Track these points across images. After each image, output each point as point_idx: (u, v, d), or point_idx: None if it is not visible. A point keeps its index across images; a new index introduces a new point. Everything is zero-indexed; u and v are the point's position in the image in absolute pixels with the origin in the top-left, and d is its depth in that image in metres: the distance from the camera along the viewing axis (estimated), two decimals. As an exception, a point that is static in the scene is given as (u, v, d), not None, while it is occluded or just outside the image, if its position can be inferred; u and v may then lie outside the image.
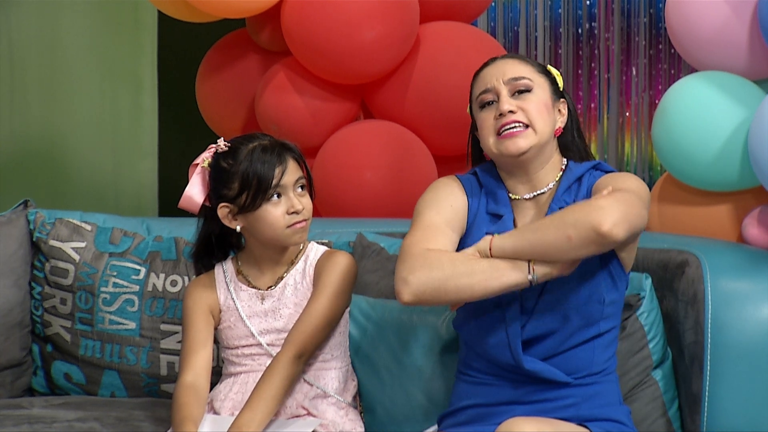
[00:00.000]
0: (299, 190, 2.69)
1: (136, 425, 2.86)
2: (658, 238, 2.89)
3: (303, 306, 2.71)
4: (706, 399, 2.70)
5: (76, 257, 3.12)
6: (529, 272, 2.41)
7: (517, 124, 2.53)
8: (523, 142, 2.53)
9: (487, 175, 2.63)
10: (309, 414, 2.69)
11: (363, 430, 2.76)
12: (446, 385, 2.75)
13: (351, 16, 3.50)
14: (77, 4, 4.81)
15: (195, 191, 2.73)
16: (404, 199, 3.54)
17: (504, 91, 2.55)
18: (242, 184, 2.65)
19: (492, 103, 2.57)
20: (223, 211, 2.70)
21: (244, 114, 3.83)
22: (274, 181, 2.65)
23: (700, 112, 3.01)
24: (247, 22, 3.83)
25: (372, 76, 3.62)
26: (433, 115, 3.61)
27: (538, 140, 2.54)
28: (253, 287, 2.76)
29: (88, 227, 3.16)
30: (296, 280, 2.75)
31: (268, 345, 2.72)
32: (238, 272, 2.78)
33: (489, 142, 2.56)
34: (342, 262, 2.72)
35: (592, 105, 4.80)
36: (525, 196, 2.59)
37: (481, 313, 2.54)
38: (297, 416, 2.69)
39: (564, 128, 2.63)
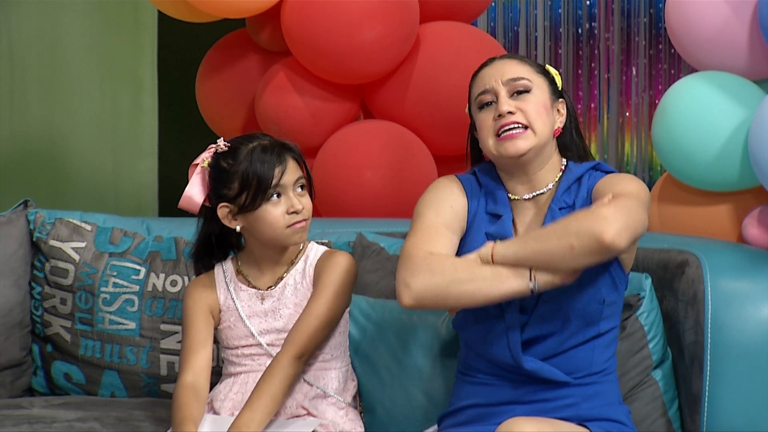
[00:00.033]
0: (299, 189, 2.69)
1: (136, 425, 2.86)
2: (658, 238, 2.89)
3: (303, 306, 2.71)
4: (706, 399, 2.70)
5: (76, 257, 3.12)
6: (530, 280, 2.41)
7: (516, 125, 2.53)
8: (522, 143, 2.53)
9: (486, 175, 2.63)
10: (309, 414, 2.69)
11: (363, 430, 2.76)
12: (446, 385, 2.75)
13: (351, 16, 3.50)
14: (77, 4, 4.81)
15: (195, 191, 2.73)
16: (404, 199, 3.54)
17: (503, 92, 2.55)
18: (242, 183, 2.65)
19: (491, 103, 2.57)
20: (222, 211, 2.70)
21: (244, 114, 3.83)
22: (274, 181, 2.65)
23: (700, 112, 3.01)
24: (247, 22, 3.83)
25: (372, 76, 3.62)
26: (433, 115, 3.61)
27: (538, 141, 2.54)
28: (253, 287, 2.76)
29: (88, 227, 3.16)
30: (296, 280, 2.75)
31: (267, 345, 2.72)
32: (238, 272, 2.78)
33: (488, 143, 2.56)
34: (342, 262, 2.72)
35: (592, 105, 4.80)
36: (524, 197, 2.59)
37: (481, 314, 2.53)
38: (297, 416, 2.69)
39: (563, 128, 2.63)
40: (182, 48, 4.64)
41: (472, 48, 3.62)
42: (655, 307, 2.75)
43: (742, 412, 2.69)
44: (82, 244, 3.13)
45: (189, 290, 2.79)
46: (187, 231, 3.08)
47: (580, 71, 4.80)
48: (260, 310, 2.74)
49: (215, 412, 2.71)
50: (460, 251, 2.56)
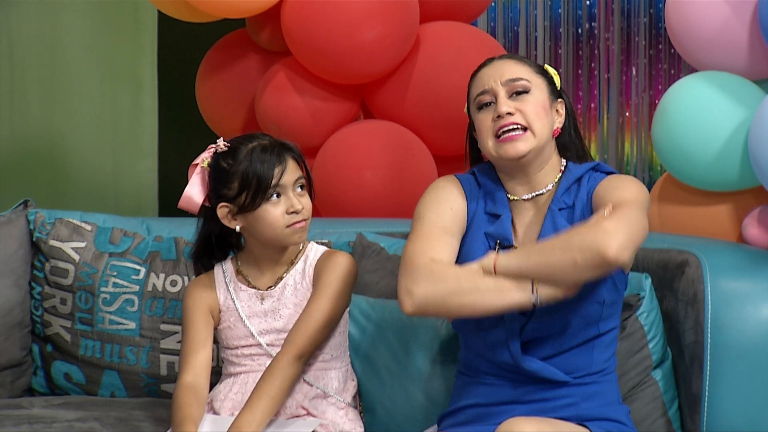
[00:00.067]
0: (299, 189, 2.69)
1: (136, 425, 2.86)
2: (658, 238, 2.89)
3: (303, 306, 2.71)
4: (706, 399, 2.70)
5: (76, 257, 3.12)
6: (532, 293, 2.41)
7: (515, 126, 2.53)
8: (522, 145, 2.53)
9: (485, 175, 2.63)
10: (309, 414, 2.69)
11: (363, 430, 2.76)
12: (446, 385, 2.75)
13: (351, 16, 3.50)
14: (77, 4, 4.81)
15: (194, 191, 2.73)
16: (404, 199, 3.54)
17: (502, 93, 2.55)
18: (242, 183, 2.65)
19: (490, 104, 2.57)
20: (222, 210, 2.70)
21: (244, 114, 3.83)
22: (274, 181, 2.65)
23: (700, 112, 3.01)
24: (247, 22, 3.83)
25: (372, 76, 3.62)
26: (433, 115, 3.61)
27: (537, 143, 2.54)
28: (253, 287, 2.76)
29: (88, 227, 3.16)
30: (296, 281, 2.74)
31: (267, 345, 2.72)
32: (238, 272, 2.78)
33: (488, 144, 2.56)
34: (342, 262, 2.72)
35: (592, 105, 4.80)
36: (524, 197, 2.59)
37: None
38: (297, 416, 2.69)
39: (561, 128, 2.63)
40: (182, 48, 4.64)
41: (472, 48, 3.62)
42: (655, 307, 2.75)
43: (742, 412, 2.69)
44: (82, 244, 3.13)
45: (189, 290, 2.79)
46: (187, 231, 3.08)
47: (580, 71, 4.80)
48: (260, 310, 2.74)
49: (215, 412, 2.71)
50: (460, 252, 2.57)
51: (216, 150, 2.72)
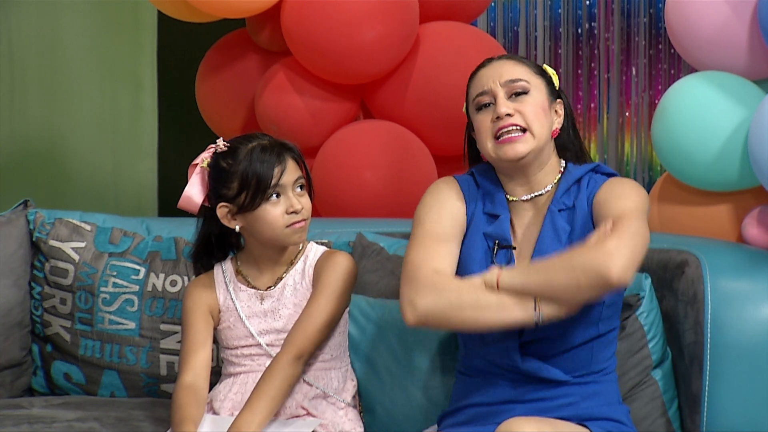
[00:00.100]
0: (298, 189, 2.69)
1: (136, 425, 2.86)
2: (658, 238, 2.89)
3: (302, 306, 2.70)
4: (706, 399, 2.70)
5: (76, 257, 3.12)
6: (535, 311, 2.41)
7: (514, 128, 2.53)
8: (521, 147, 2.53)
9: (484, 176, 2.63)
10: (308, 414, 2.69)
11: (362, 430, 2.76)
12: (446, 385, 2.75)
13: (351, 16, 3.50)
14: (77, 4, 4.81)
15: (194, 191, 2.73)
16: (404, 199, 3.54)
17: (501, 94, 2.55)
18: (241, 183, 2.65)
19: (489, 105, 2.57)
20: (222, 210, 2.70)
21: (243, 114, 3.83)
22: (273, 181, 2.65)
23: (700, 112, 3.01)
24: (246, 22, 3.83)
25: (372, 76, 3.62)
26: (433, 115, 3.61)
27: (537, 144, 2.54)
28: (253, 287, 2.76)
29: (88, 227, 3.16)
30: (295, 281, 2.74)
31: (267, 345, 2.72)
32: (238, 272, 2.78)
33: (487, 146, 2.56)
34: (342, 262, 2.72)
35: (592, 105, 4.80)
36: (523, 198, 2.59)
37: None
38: (296, 416, 2.69)
39: (560, 128, 2.63)
40: (182, 48, 4.64)
41: (472, 48, 3.62)
42: (654, 307, 2.75)
43: (742, 412, 2.69)
44: (82, 244, 3.13)
45: (188, 290, 2.79)
46: (186, 231, 3.08)
47: (579, 71, 4.80)
48: (260, 311, 2.74)
49: (215, 412, 2.71)
50: (459, 253, 2.57)
51: (215, 150, 2.72)
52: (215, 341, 2.79)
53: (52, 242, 3.14)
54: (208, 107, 3.94)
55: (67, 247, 3.13)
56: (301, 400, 2.69)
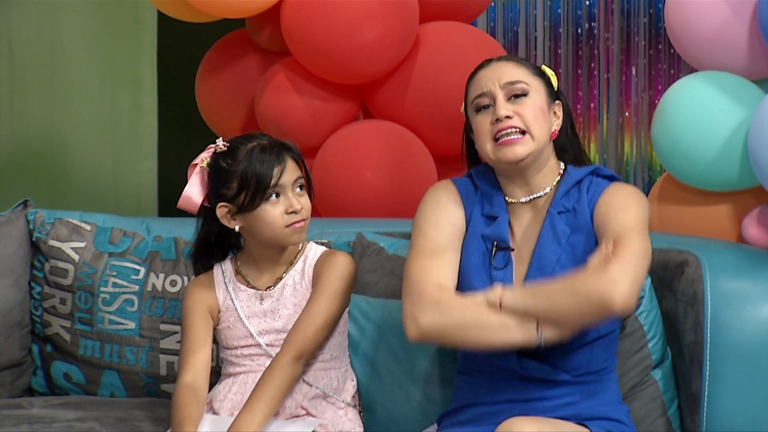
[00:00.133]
0: (298, 189, 2.69)
1: (136, 425, 2.86)
2: (657, 238, 2.89)
3: (302, 306, 2.71)
4: (706, 399, 2.70)
5: (76, 257, 3.12)
6: (537, 334, 2.42)
7: (513, 130, 2.53)
8: (520, 149, 2.53)
9: (482, 178, 2.63)
10: (308, 414, 2.69)
11: (362, 429, 2.76)
12: (446, 385, 2.75)
13: (351, 16, 3.50)
14: (77, 4, 4.81)
15: (194, 191, 2.73)
16: (404, 199, 3.54)
17: (500, 96, 2.55)
18: (241, 183, 2.65)
19: (488, 107, 2.56)
20: (221, 210, 2.70)
21: (243, 114, 3.83)
22: (273, 181, 2.65)
23: (700, 112, 3.01)
24: (246, 22, 3.83)
25: (372, 76, 3.62)
26: (433, 115, 3.61)
27: (536, 146, 2.54)
28: (252, 287, 2.76)
29: (88, 227, 3.16)
30: (295, 281, 2.74)
31: (267, 345, 2.72)
32: (237, 272, 2.78)
33: (486, 148, 2.56)
34: (341, 262, 2.72)
35: (592, 105, 4.80)
36: (522, 200, 2.59)
37: None
38: (296, 416, 2.69)
39: (559, 129, 2.63)
40: (182, 48, 4.64)
41: (471, 48, 3.62)
42: (654, 306, 2.75)
43: (742, 412, 2.69)
44: (82, 244, 3.13)
45: (188, 290, 2.79)
46: (186, 231, 3.08)
47: (579, 71, 4.80)
48: (259, 311, 2.74)
49: (214, 413, 2.71)
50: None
51: (215, 150, 2.72)
52: (215, 341, 2.79)
53: (52, 242, 3.14)
54: (208, 107, 3.94)
55: (67, 247, 3.13)
56: (301, 400, 2.69)
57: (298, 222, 2.68)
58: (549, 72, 2.64)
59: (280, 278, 2.75)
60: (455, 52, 3.62)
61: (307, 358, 2.68)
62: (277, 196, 2.67)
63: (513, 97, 2.56)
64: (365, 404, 2.81)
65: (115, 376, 3.09)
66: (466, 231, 2.60)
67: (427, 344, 2.70)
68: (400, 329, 2.73)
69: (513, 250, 2.56)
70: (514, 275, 2.54)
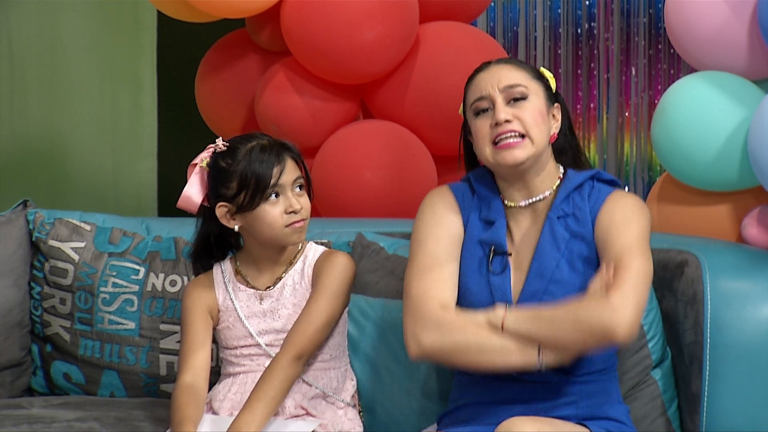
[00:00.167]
0: (297, 189, 2.69)
1: (136, 425, 2.86)
2: (657, 238, 2.89)
3: (302, 306, 2.71)
4: (706, 399, 2.70)
5: (76, 257, 3.12)
6: (538, 358, 2.43)
7: (513, 134, 2.52)
8: (520, 153, 2.52)
9: (480, 181, 2.63)
10: (308, 414, 2.69)
11: (362, 429, 2.76)
12: (446, 385, 2.75)
13: (351, 16, 3.50)
14: (77, 4, 4.81)
15: (193, 191, 2.74)
16: (404, 199, 3.54)
17: (499, 99, 2.55)
18: (240, 183, 2.65)
19: (487, 110, 2.56)
20: (221, 210, 2.70)
21: (243, 114, 3.83)
22: (272, 181, 2.65)
23: (700, 112, 3.01)
24: (246, 22, 3.83)
25: (372, 76, 3.62)
26: (433, 115, 3.61)
27: (535, 150, 2.54)
28: (252, 287, 2.76)
29: (88, 227, 3.16)
30: (295, 281, 2.75)
31: (266, 345, 2.72)
32: (237, 272, 2.78)
33: (485, 151, 2.56)
34: (341, 262, 2.72)
35: (592, 105, 4.80)
36: (521, 203, 2.59)
37: None
38: (296, 416, 2.69)
39: (557, 132, 2.62)
40: (182, 48, 4.64)
41: (471, 48, 3.62)
42: (654, 306, 2.75)
43: (742, 411, 2.69)
44: (82, 244, 3.13)
45: (187, 290, 2.79)
46: (186, 231, 3.08)
47: (579, 71, 4.80)
48: (259, 311, 2.74)
49: (214, 412, 2.71)
50: None
51: (215, 150, 2.72)
52: (214, 341, 2.79)
53: (52, 242, 3.14)
54: (208, 107, 3.94)
55: (67, 247, 3.13)
56: (301, 400, 2.69)
57: (297, 222, 2.68)
58: (548, 74, 2.64)
59: (280, 278, 2.75)
60: (455, 52, 3.62)
61: (307, 358, 2.68)
62: (277, 195, 2.67)
63: (512, 101, 2.55)
64: (365, 404, 2.81)
65: (115, 376, 3.09)
66: (464, 236, 2.60)
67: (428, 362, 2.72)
68: (400, 329, 2.73)
69: (510, 254, 2.56)
70: (513, 280, 2.54)
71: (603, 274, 2.43)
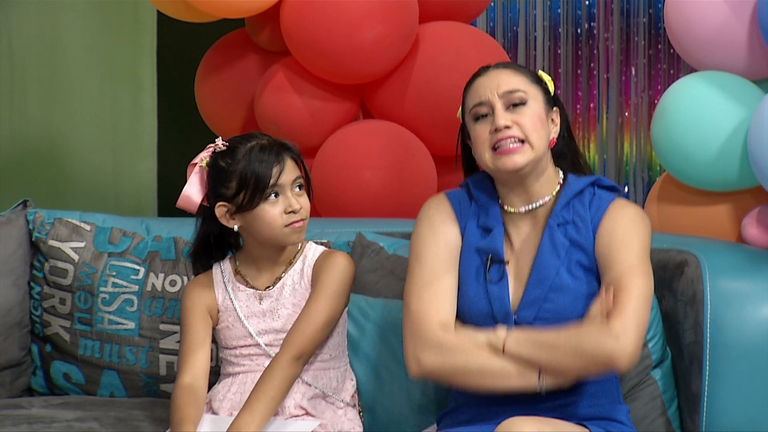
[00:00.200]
0: (297, 189, 2.69)
1: (135, 425, 2.86)
2: (657, 238, 2.88)
3: (301, 306, 2.71)
4: (705, 399, 2.70)
5: (76, 257, 3.12)
6: (539, 382, 2.44)
7: (512, 140, 2.52)
8: (520, 158, 2.52)
9: (479, 187, 2.62)
10: (307, 414, 2.69)
11: (362, 429, 2.76)
12: (446, 385, 2.75)
13: (351, 16, 3.50)
14: (77, 4, 4.81)
15: (193, 190, 2.73)
16: (404, 199, 3.54)
17: (498, 105, 2.54)
18: (240, 183, 2.65)
19: (486, 116, 2.56)
20: (220, 210, 2.70)
21: (243, 114, 3.83)
22: (272, 181, 2.65)
23: (700, 112, 3.01)
24: (246, 22, 3.83)
25: (371, 76, 3.62)
26: (433, 115, 3.61)
27: (535, 155, 2.53)
28: (251, 287, 2.76)
29: (88, 227, 3.16)
30: (294, 281, 2.74)
31: (266, 345, 2.72)
32: (236, 272, 2.78)
33: (485, 157, 2.55)
34: (340, 262, 2.72)
35: (592, 105, 4.80)
36: (521, 209, 2.58)
37: (478, 327, 2.54)
38: (295, 416, 2.69)
39: (556, 136, 2.62)
40: (182, 48, 4.64)
41: (471, 48, 3.62)
42: (654, 306, 2.75)
43: (742, 411, 2.69)
44: (82, 244, 3.13)
45: (187, 290, 2.79)
46: (186, 231, 3.07)
47: (579, 71, 4.80)
48: (258, 311, 2.74)
49: (214, 412, 2.71)
50: None
51: (214, 149, 2.72)
52: (214, 341, 2.79)
53: (52, 242, 3.14)
54: (208, 107, 3.94)
55: (67, 247, 3.13)
56: (300, 400, 2.69)
57: (297, 222, 2.68)
58: (546, 78, 2.63)
59: (279, 278, 2.75)
60: (455, 52, 3.62)
61: (307, 358, 2.68)
62: (276, 195, 2.67)
63: (512, 106, 2.55)
64: (365, 404, 2.81)
65: (115, 376, 3.09)
66: (462, 244, 2.60)
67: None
68: (400, 329, 2.73)
69: (508, 263, 2.56)
70: (512, 287, 2.55)
71: (603, 297, 2.43)
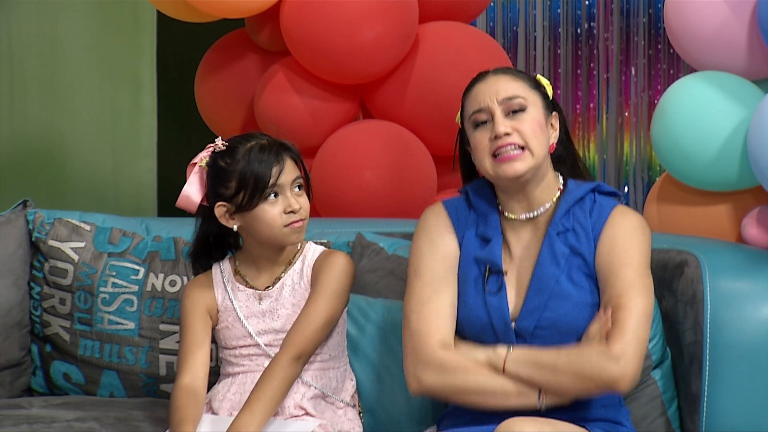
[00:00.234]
0: (296, 189, 2.69)
1: (135, 425, 2.86)
2: (657, 238, 2.89)
3: (301, 306, 2.70)
4: (705, 399, 2.70)
5: (75, 257, 3.12)
6: (538, 401, 2.46)
7: (512, 146, 2.52)
8: (520, 165, 2.51)
9: (478, 195, 2.62)
10: (307, 414, 2.69)
11: (362, 429, 2.76)
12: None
13: (351, 16, 3.50)
14: (77, 4, 4.81)
15: (193, 190, 2.73)
16: (404, 199, 3.54)
17: (498, 112, 2.53)
18: (239, 183, 2.65)
19: (486, 122, 2.55)
20: (220, 210, 2.70)
21: (243, 114, 3.83)
22: (271, 181, 2.65)
23: (699, 112, 3.01)
24: (246, 22, 3.83)
25: (371, 76, 3.62)
26: (433, 115, 3.61)
27: (535, 162, 2.53)
28: (251, 287, 2.76)
29: (87, 227, 3.16)
30: (294, 281, 2.74)
31: (266, 345, 2.72)
32: (236, 272, 2.78)
33: (485, 164, 2.55)
34: (340, 262, 2.72)
35: (591, 105, 4.80)
36: (522, 217, 2.58)
37: (477, 336, 2.55)
38: (295, 416, 2.69)
39: (556, 141, 2.62)
40: (182, 48, 4.64)
41: (471, 48, 3.62)
42: (654, 306, 2.75)
43: (742, 412, 2.69)
44: (81, 244, 3.13)
45: (187, 291, 2.79)
46: (186, 231, 3.07)
47: (579, 71, 4.80)
48: (258, 311, 2.74)
49: (213, 413, 2.71)
50: None
51: (214, 149, 2.72)
52: (214, 341, 2.79)
53: (52, 242, 3.14)
54: (208, 107, 3.94)
55: (67, 247, 3.13)
56: (300, 400, 2.69)
57: (296, 222, 2.68)
58: (545, 82, 2.62)
59: (279, 278, 2.75)
60: (455, 52, 3.62)
61: (307, 359, 2.68)
62: (276, 195, 2.67)
63: (511, 113, 2.54)
64: (365, 405, 2.81)
65: (115, 376, 3.09)
66: (460, 254, 2.60)
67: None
68: (400, 330, 2.74)
69: (506, 273, 2.55)
70: (512, 295, 2.55)
71: (602, 317, 2.44)
